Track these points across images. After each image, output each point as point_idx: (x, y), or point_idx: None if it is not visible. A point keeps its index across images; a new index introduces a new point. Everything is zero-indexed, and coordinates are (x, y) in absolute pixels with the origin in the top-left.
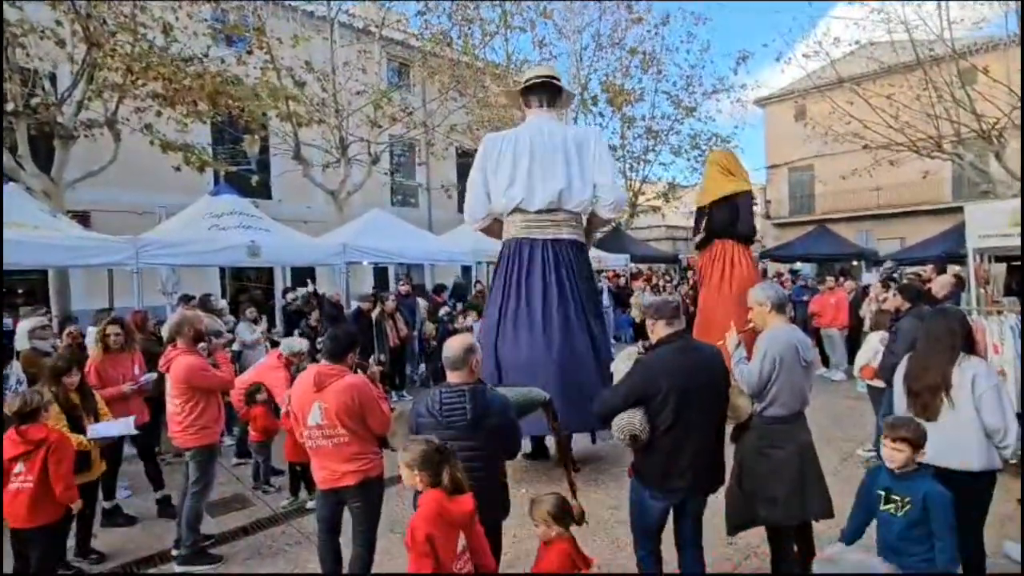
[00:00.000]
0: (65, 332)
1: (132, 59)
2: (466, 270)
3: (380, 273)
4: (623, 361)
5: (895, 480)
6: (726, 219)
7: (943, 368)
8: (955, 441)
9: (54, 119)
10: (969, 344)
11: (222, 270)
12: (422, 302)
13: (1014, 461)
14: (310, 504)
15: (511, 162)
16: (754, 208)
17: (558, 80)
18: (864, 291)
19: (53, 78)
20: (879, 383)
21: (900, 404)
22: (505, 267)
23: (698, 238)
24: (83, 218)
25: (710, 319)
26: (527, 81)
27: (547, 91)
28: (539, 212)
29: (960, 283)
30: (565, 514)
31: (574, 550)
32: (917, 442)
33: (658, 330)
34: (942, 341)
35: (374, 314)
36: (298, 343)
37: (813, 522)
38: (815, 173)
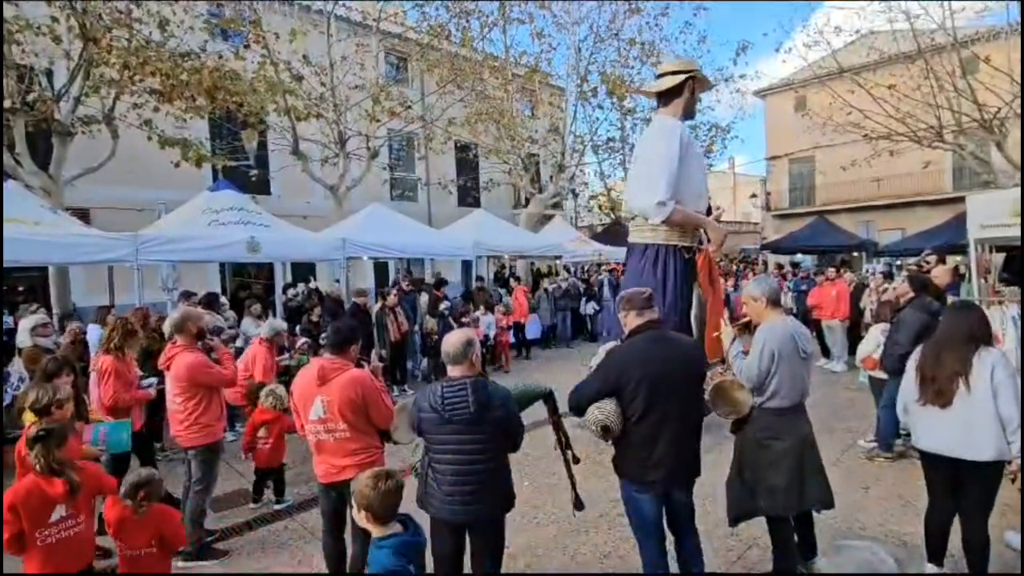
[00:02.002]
0: (68, 329)
1: (129, 54)
2: (467, 265)
3: (380, 268)
4: (601, 356)
5: None
6: None
7: (964, 355)
8: (969, 430)
9: (51, 116)
10: (988, 338)
11: (222, 266)
12: (423, 297)
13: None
14: (276, 507)
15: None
16: None
17: (685, 71)
18: (864, 284)
19: (49, 74)
20: (881, 374)
21: (910, 392)
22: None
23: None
24: (82, 215)
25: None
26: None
27: (667, 92)
28: (633, 219)
29: (958, 274)
30: (135, 491)
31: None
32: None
33: (630, 320)
34: (963, 333)
35: (374, 309)
36: (278, 323)
37: (814, 513)
38: (815, 164)
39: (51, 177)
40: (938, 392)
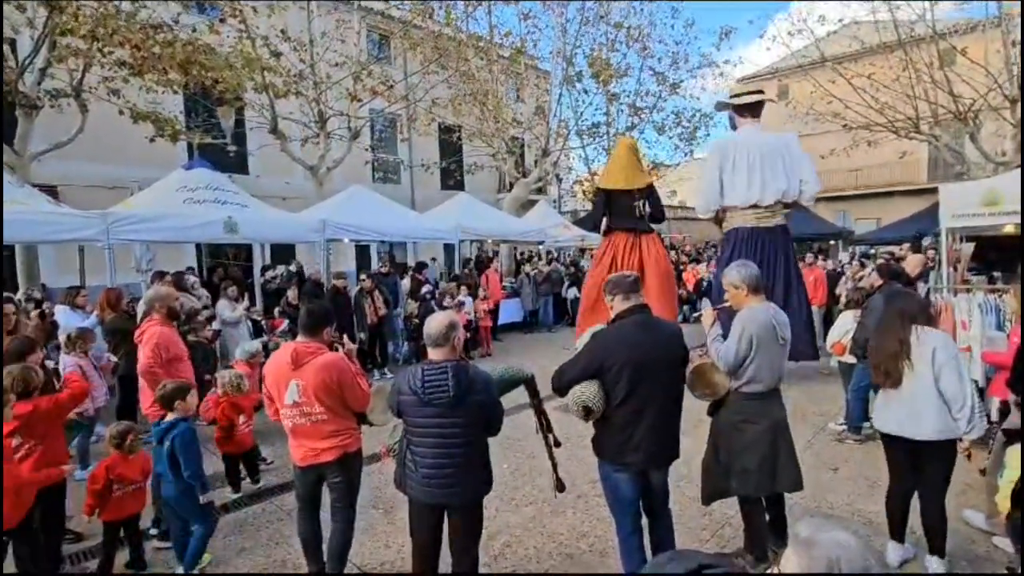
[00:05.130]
0: (35, 312)
1: (96, 24)
2: (448, 248)
3: (362, 251)
4: (588, 337)
5: None
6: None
7: (900, 335)
8: (914, 411)
9: (15, 87)
10: (926, 319)
11: (198, 247)
12: (405, 281)
13: (974, 436)
14: (255, 487)
15: (746, 166)
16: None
17: (763, 95)
18: (838, 271)
19: (12, 43)
20: (850, 359)
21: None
22: (741, 250)
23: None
24: (50, 192)
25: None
26: (741, 99)
27: (752, 106)
28: (769, 206)
29: (927, 263)
30: (123, 437)
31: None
32: None
33: (616, 305)
34: (894, 313)
35: (353, 292)
36: (252, 345)
37: (785, 494)
38: None
39: (16, 152)
40: (886, 374)
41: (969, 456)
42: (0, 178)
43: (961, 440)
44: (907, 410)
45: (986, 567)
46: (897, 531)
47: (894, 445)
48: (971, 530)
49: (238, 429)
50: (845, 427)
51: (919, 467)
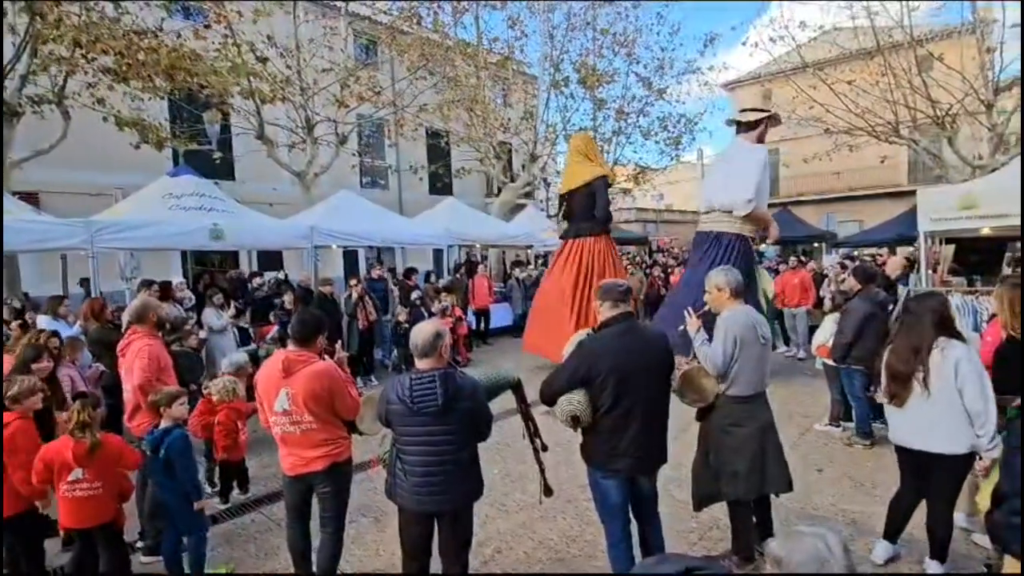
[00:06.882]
0: (15, 323)
1: (79, 31)
2: (438, 253)
3: (350, 257)
4: (573, 346)
5: None
6: (586, 205)
7: (921, 356)
8: (928, 424)
9: None
10: (948, 329)
11: (183, 255)
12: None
13: (996, 455)
14: (243, 498)
15: (711, 172)
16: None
17: (763, 111)
18: (823, 274)
19: None
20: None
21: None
22: (698, 252)
23: (563, 226)
24: (32, 199)
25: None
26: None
27: (749, 124)
28: (707, 212)
29: (910, 265)
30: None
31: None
32: None
33: (603, 312)
34: (920, 327)
35: (342, 298)
36: (238, 356)
37: (771, 496)
38: (780, 157)
39: None
40: (892, 395)
41: (987, 475)
42: (0, 188)
43: (980, 458)
44: (919, 423)
45: (968, 565)
46: (893, 533)
47: (905, 454)
48: (964, 534)
49: (240, 435)
50: (829, 426)
51: (926, 475)
